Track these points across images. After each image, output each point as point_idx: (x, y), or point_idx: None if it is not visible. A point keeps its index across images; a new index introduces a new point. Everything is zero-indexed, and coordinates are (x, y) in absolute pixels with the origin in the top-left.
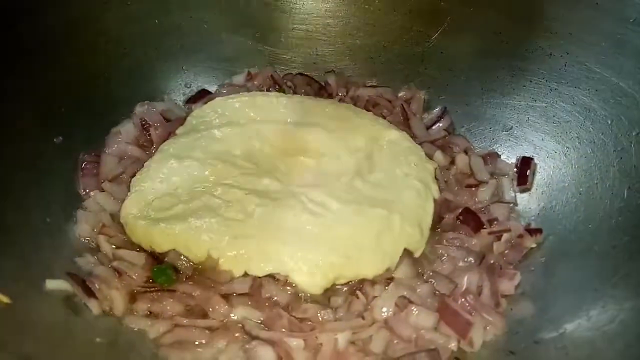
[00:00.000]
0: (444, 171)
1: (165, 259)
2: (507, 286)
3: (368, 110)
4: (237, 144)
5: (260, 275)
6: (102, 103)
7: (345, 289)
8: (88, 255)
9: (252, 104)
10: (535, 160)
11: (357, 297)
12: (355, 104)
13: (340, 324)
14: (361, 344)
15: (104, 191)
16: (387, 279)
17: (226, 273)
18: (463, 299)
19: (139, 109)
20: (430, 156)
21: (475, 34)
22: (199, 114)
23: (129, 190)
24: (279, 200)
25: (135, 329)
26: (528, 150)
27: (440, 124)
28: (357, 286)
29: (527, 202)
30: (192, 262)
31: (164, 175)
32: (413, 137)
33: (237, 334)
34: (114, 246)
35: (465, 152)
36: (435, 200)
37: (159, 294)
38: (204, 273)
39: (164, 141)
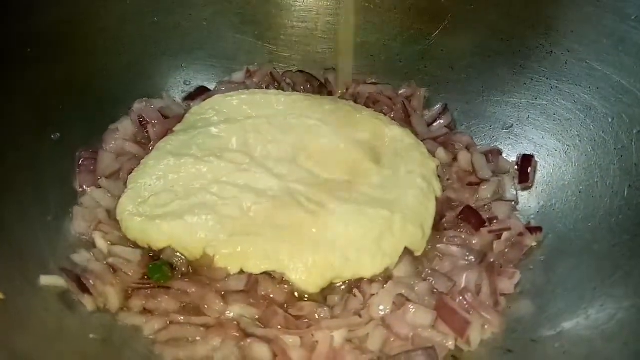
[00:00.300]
0: (446, 168)
1: (161, 256)
2: (506, 285)
3: (368, 107)
4: (234, 141)
5: (256, 273)
6: (100, 100)
7: (342, 287)
8: (84, 252)
9: (250, 102)
10: (536, 159)
11: (354, 295)
12: (355, 101)
13: (336, 322)
14: (357, 342)
15: (100, 188)
16: (386, 277)
17: (222, 270)
18: (461, 298)
19: (137, 105)
20: (432, 153)
21: (475, 32)
22: (197, 111)
23: (125, 187)
24: (276, 199)
25: (130, 326)
26: (528, 148)
27: (441, 121)
28: (355, 284)
29: (527, 201)
30: (188, 259)
31: (161, 172)
32: (414, 134)
33: (232, 332)
34: (109, 243)
35: (468, 148)
36: (437, 199)
37: (154, 290)
38: (199, 270)
39: (162, 138)
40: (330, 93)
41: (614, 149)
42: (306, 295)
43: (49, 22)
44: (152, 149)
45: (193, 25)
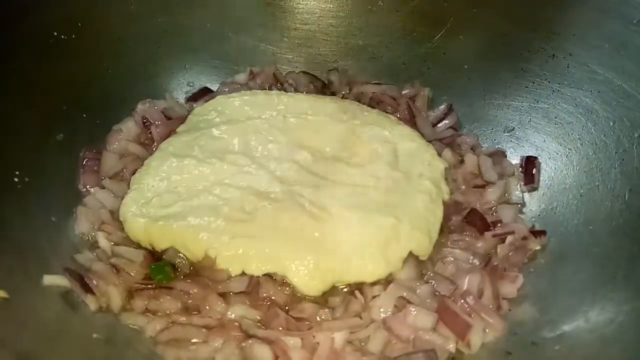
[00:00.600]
0: (453, 170)
1: (164, 257)
2: (509, 289)
3: (372, 108)
4: (237, 142)
5: (258, 275)
6: (104, 101)
7: (344, 289)
8: (87, 252)
9: (253, 102)
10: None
11: (356, 297)
12: (359, 102)
13: (337, 323)
14: (358, 343)
15: (104, 188)
16: (388, 279)
17: (223, 272)
18: (462, 301)
19: (141, 106)
20: (438, 154)
21: (478, 35)
22: (200, 112)
23: (129, 188)
24: (278, 202)
25: (133, 326)
26: (530, 151)
27: (447, 121)
28: (356, 286)
29: (529, 204)
30: (190, 260)
31: (164, 174)
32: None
33: (234, 333)
34: (112, 243)
35: (473, 149)
36: (444, 202)
37: (157, 291)
38: (201, 271)
39: (165, 139)
40: (333, 94)
41: (615, 152)
42: (307, 297)
43: (52, 23)
44: (156, 149)
45: (197, 26)
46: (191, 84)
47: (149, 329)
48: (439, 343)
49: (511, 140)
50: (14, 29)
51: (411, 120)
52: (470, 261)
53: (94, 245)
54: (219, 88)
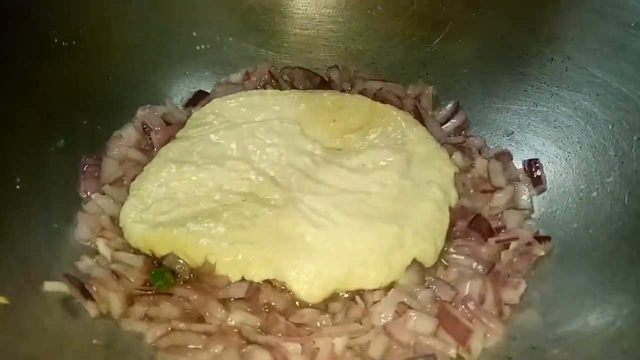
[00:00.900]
0: (461, 174)
1: (163, 263)
2: (511, 295)
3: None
4: (235, 147)
5: (258, 281)
6: (104, 107)
7: (345, 295)
8: (87, 258)
9: (249, 104)
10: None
11: (356, 303)
12: None
13: (337, 329)
14: (359, 349)
15: (104, 194)
16: (389, 285)
17: (223, 278)
18: (463, 306)
19: (141, 112)
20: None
21: (476, 39)
22: (198, 116)
23: (129, 194)
24: (278, 208)
25: (133, 332)
26: (529, 155)
27: (455, 120)
28: (357, 292)
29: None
30: (190, 266)
31: (163, 180)
32: None
33: (234, 339)
34: (113, 249)
35: (480, 151)
36: (451, 208)
37: (156, 297)
38: (201, 277)
39: (165, 145)
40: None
41: (614, 155)
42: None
43: (53, 30)
44: (155, 155)
45: (197, 33)
46: (191, 90)
47: (148, 335)
48: (440, 348)
49: (511, 144)
50: (15, 35)
51: (419, 121)
52: (474, 267)
53: (94, 252)
54: (213, 89)
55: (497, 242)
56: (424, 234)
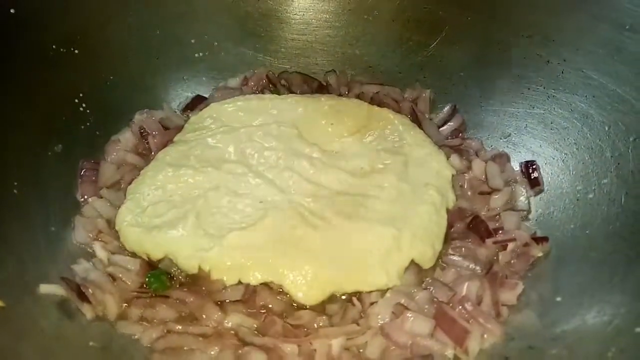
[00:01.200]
0: (459, 176)
1: (159, 265)
2: (508, 296)
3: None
4: (232, 150)
5: (254, 284)
6: (102, 111)
7: (342, 296)
8: (84, 261)
9: (247, 108)
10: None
11: (353, 304)
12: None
13: (334, 330)
14: (356, 350)
15: (101, 198)
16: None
17: (219, 281)
18: (461, 307)
19: (138, 117)
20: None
21: (473, 43)
22: (196, 120)
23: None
24: (277, 211)
25: (129, 334)
26: (526, 156)
27: (452, 123)
28: (354, 294)
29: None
30: (186, 270)
31: (159, 183)
32: None
33: (230, 341)
34: (109, 252)
35: (477, 153)
36: (448, 210)
37: (153, 299)
38: (197, 280)
39: (163, 149)
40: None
41: (611, 156)
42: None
43: (51, 35)
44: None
45: (195, 38)
46: (189, 95)
47: (145, 337)
48: (437, 349)
49: (508, 146)
50: (13, 41)
51: (416, 124)
52: (472, 268)
53: (91, 255)
54: (211, 94)
55: (495, 243)
56: (422, 236)
